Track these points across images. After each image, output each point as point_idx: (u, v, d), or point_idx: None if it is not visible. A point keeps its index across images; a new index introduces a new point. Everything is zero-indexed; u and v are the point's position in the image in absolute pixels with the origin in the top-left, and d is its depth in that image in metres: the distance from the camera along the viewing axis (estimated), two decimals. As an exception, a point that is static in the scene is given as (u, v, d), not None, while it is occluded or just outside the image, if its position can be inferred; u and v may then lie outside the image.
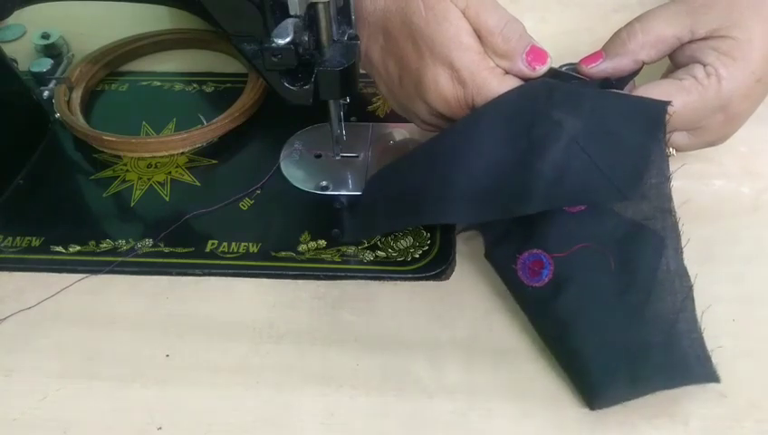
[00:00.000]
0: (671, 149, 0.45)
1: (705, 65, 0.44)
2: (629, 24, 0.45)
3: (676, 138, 0.46)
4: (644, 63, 0.45)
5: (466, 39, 0.42)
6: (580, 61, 0.45)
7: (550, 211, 0.42)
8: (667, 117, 0.41)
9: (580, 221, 0.43)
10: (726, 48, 0.43)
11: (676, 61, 0.46)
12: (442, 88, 0.43)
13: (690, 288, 0.41)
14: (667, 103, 0.41)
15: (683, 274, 0.41)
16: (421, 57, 0.44)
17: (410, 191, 0.46)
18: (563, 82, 0.44)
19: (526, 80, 0.43)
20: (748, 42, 0.43)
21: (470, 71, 0.42)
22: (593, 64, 0.45)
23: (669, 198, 0.42)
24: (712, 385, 0.40)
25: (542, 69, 0.43)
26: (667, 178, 0.42)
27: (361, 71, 0.49)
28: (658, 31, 0.44)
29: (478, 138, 0.42)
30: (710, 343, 0.42)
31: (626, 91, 0.45)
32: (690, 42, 0.44)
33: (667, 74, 0.47)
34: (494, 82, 0.42)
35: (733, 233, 0.48)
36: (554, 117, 0.41)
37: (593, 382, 0.40)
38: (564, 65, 0.46)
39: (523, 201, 0.40)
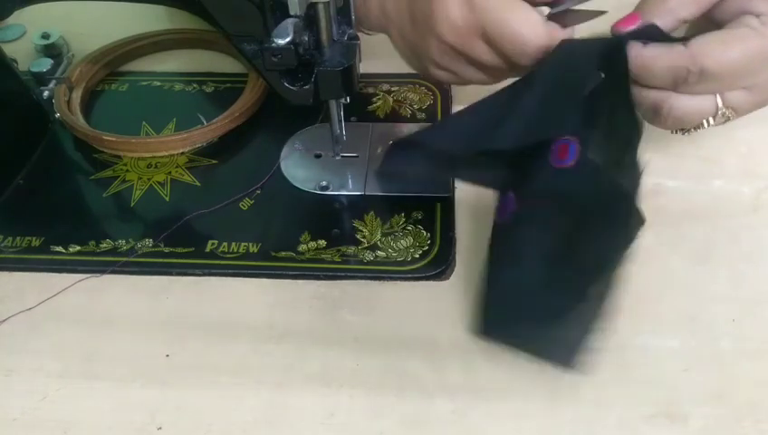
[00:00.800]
0: (728, 110, 0.42)
1: (758, 15, 0.40)
2: None
3: (735, 97, 0.42)
4: (685, 23, 0.42)
5: None
6: (615, 24, 0.42)
7: (535, 161, 0.42)
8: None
9: (559, 177, 0.42)
10: None
11: (719, 18, 0.42)
12: (452, 14, 0.42)
13: (615, 283, 0.40)
14: (624, 36, 0.40)
15: (615, 267, 0.40)
16: None
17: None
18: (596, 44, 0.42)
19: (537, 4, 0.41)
20: None
21: None
22: (630, 27, 0.41)
23: (637, 178, 0.41)
24: (712, 385, 0.40)
25: None
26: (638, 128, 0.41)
27: (370, 31, 0.50)
28: None
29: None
30: (710, 343, 0.43)
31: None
32: None
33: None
34: (507, 5, 0.41)
35: (733, 233, 0.48)
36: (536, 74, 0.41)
37: (482, 311, 0.41)
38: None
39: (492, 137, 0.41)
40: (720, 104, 0.42)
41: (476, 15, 0.42)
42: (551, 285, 0.41)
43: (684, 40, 0.41)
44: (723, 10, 0.42)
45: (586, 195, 0.41)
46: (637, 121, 0.42)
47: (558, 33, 0.42)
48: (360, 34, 0.46)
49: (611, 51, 0.41)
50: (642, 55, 0.40)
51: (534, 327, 0.40)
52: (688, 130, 0.45)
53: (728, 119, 0.43)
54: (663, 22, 0.41)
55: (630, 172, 0.42)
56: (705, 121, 0.43)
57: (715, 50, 0.39)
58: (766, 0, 0.41)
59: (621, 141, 0.41)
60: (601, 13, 0.43)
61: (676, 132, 0.45)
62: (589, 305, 0.40)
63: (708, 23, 0.42)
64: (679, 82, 0.40)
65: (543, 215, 0.42)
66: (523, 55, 0.42)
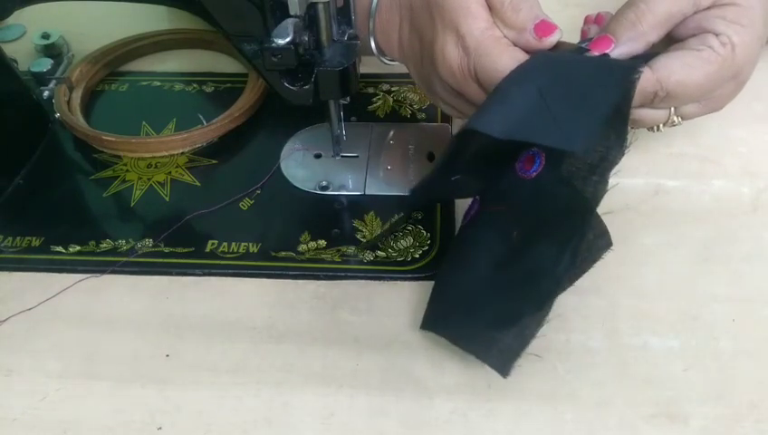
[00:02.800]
0: (677, 118, 0.45)
1: (717, 35, 0.42)
2: (632, 3, 0.44)
3: (687, 108, 0.45)
4: (652, 45, 0.44)
5: (475, 7, 0.42)
6: (589, 46, 0.43)
7: (503, 168, 0.43)
8: (637, 75, 0.40)
9: (519, 186, 0.43)
10: (733, 16, 0.42)
11: (677, 33, 0.45)
12: (448, 56, 0.43)
13: (555, 293, 0.40)
14: (641, 64, 0.41)
15: (560, 280, 0.40)
16: (434, 26, 0.43)
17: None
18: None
19: (533, 53, 0.42)
20: (751, 7, 0.43)
21: (474, 37, 0.42)
22: (606, 51, 0.43)
23: (612, 165, 0.42)
24: (712, 385, 0.40)
25: (549, 40, 0.42)
26: (622, 149, 0.42)
27: (395, 63, 0.51)
28: (665, 8, 0.43)
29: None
30: (710, 343, 0.43)
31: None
32: (693, 13, 0.43)
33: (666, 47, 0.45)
34: (497, 51, 0.41)
35: (732, 233, 0.48)
36: (526, 68, 0.41)
37: (429, 305, 0.44)
38: (581, 42, 0.45)
39: (475, 121, 0.40)
40: (672, 112, 0.45)
41: (470, 60, 0.42)
42: (496, 290, 0.41)
43: (645, 57, 0.43)
44: (682, 27, 0.44)
45: (541, 207, 0.42)
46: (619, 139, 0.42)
47: None
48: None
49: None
50: None
51: (472, 328, 0.41)
52: (637, 128, 0.47)
53: (676, 125, 0.45)
54: (635, 45, 0.43)
55: (597, 188, 0.42)
56: (655, 127, 0.46)
57: (680, 73, 0.42)
58: (725, 21, 0.42)
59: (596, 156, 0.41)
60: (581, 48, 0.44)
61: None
62: (532, 313, 0.40)
63: (668, 38, 0.44)
64: (645, 103, 0.43)
65: (500, 220, 0.43)
66: None
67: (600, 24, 0.47)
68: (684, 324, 0.43)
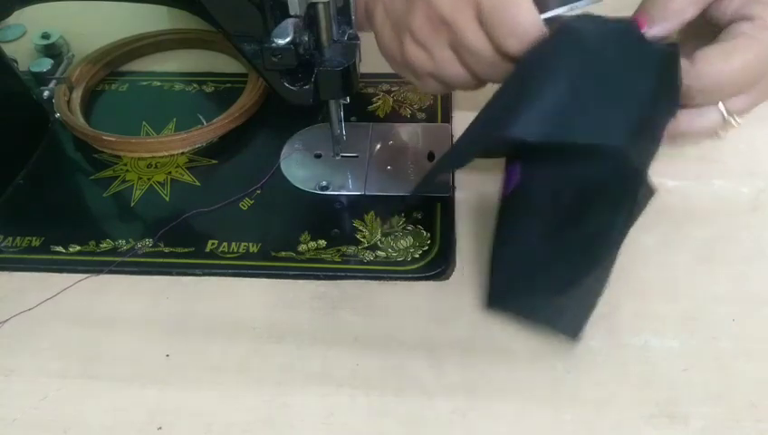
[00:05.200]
0: (733, 118, 0.43)
1: (752, 20, 0.41)
2: None
3: (736, 103, 0.43)
4: (687, 23, 0.42)
5: None
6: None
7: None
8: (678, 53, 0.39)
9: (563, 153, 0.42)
10: None
11: (716, 16, 0.43)
12: None
13: (614, 261, 0.40)
14: (675, 46, 0.40)
15: (618, 244, 0.40)
16: None
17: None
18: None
19: None
20: None
21: None
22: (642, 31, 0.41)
23: (651, 157, 0.41)
24: (712, 385, 0.40)
25: None
26: (669, 112, 0.41)
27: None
28: None
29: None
30: (710, 343, 0.42)
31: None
32: None
33: (684, 39, 0.44)
34: None
35: (733, 233, 0.48)
36: (556, 51, 0.40)
37: (490, 284, 0.44)
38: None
39: (509, 128, 0.39)
40: (725, 113, 0.43)
41: None
42: (553, 257, 0.41)
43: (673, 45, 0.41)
44: (718, 9, 0.43)
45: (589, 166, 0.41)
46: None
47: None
48: (359, 34, 0.46)
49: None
50: None
51: (538, 298, 0.41)
52: (698, 141, 0.46)
53: (733, 126, 0.43)
54: (670, 24, 0.41)
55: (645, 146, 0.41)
56: (715, 134, 0.44)
57: (717, 64, 0.40)
58: (761, 3, 0.41)
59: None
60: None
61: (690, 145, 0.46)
62: (592, 278, 0.40)
63: (702, 22, 0.43)
64: (686, 99, 0.41)
65: (546, 185, 0.42)
66: (515, 40, 0.40)
67: None
68: (684, 324, 0.43)
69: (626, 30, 0.41)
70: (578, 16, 0.42)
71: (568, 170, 0.41)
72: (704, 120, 0.43)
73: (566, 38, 0.40)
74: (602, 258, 0.40)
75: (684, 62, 0.40)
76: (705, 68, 0.40)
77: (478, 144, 0.44)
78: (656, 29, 0.41)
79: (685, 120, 0.42)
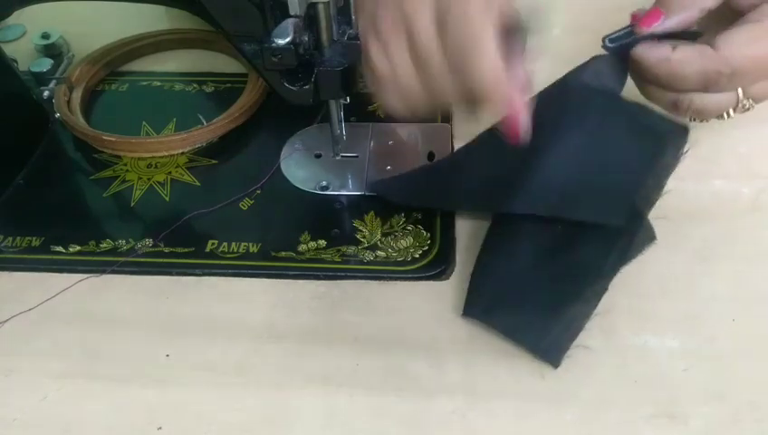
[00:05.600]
0: (748, 101, 0.42)
1: None
2: None
3: (757, 89, 0.42)
4: (708, 11, 0.41)
5: None
6: (639, 23, 0.40)
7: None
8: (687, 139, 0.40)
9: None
10: None
11: (737, 3, 0.41)
12: None
13: (605, 290, 0.42)
14: (687, 128, 0.40)
15: (609, 276, 0.42)
16: None
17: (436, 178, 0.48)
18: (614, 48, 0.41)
19: None
20: None
21: None
22: (655, 24, 0.40)
23: (651, 204, 0.43)
24: (712, 385, 0.40)
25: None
26: (661, 187, 0.42)
27: None
28: None
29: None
30: (710, 343, 0.42)
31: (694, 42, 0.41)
32: None
33: (710, 24, 0.42)
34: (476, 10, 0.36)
35: (733, 233, 0.48)
36: (563, 124, 0.40)
37: (469, 290, 0.44)
38: (620, 31, 0.42)
39: (512, 202, 0.41)
40: (741, 96, 0.42)
41: None
42: (541, 280, 0.41)
43: (694, 35, 0.40)
44: None
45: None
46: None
47: (499, 62, 0.37)
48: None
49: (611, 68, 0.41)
50: (671, 60, 0.39)
51: (522, 316, 0.41)
52: (707, 119, 0.44)
53: (748, 109, 0.42)
54: (689, 14, 0.40)
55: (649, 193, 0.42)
56: (725, 113, 0.43)
57: (745, 49, 0.39)
58: None
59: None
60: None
61: (694, 120, 0.44)
62: (578, 306, 0.41)
63: (727, 10, 0.41)
64: (710, 85, 0.40)
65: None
66: (457, 47, 0.37)
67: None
68: (684, 324, 0.43)
69: (634, 109, 0.41)
70: (587, 88, 0.41)
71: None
72: (719, 99, 0.42)
73: (573, 111, 0.41)
74: (589, 290, 0.40)
75: (706, 48, 0.39)
76: (733, 52, 0.39)
77: (469, 203, 0.46)
78: (674, 19, 0.40)
79: (698, 96, 0.41)
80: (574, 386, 0.41)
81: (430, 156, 0.54)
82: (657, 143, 0.40)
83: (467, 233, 0.49)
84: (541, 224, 0.43)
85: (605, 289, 0.42)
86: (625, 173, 0.41)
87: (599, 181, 0.40)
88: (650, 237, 0.43)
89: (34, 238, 0.50)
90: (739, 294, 0.45)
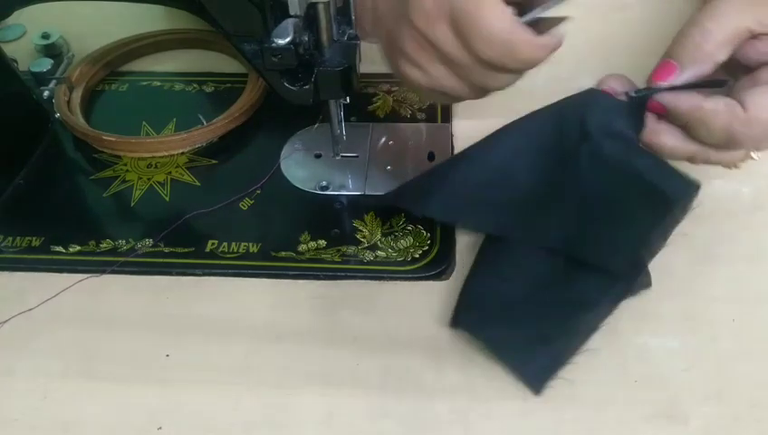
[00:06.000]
0: (756, 154, 0.43)
1: None
2: (696, 22, 0.40)
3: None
4: (719, 65, 0.40)
5: None
6: (652, 77, 0.40)
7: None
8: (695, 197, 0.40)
9: None
10: None
11: (746, 58, 0.41)
12: None
13: (595, 329, 0.42)
14: (697, 187, 0.40)
15: (604, 316, 0.42)
16: None
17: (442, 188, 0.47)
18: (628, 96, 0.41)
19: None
20: None
21: None
22: (670, 78, 0.40)
23: (653, 254, 0.43)
24: (712, 385, 0.40)
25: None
26: (665, 239, 0.43)
27: (369, 38, 0.47)
28: (733, 24, 0.39)
29: (497, 154, 0.44)
30: (710, 343, 0.42)
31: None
32: (760, 35, 0.39)
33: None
34: None
35: (733, 233, 0.48)
36: (579, 163, 0.41)
37: (459, 301, 0.44)
38: (638, 91, 0.41)
39: (521, 230, 0.42)
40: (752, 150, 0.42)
41: None
42: (538, 308, 0.42)
43: (721, 83, 0.40)
44: (750, 51, 0.40)
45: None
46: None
47: (522, 34, 0.39)
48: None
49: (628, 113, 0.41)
50: (703, 108, 0.38)
51: (511, 339, 0.41)
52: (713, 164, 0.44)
53: (753, 159, 0.43)
54: (702, 68, 0.40)
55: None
56: (732, 165, 0.43)
57: None
58: None
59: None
60: (563, 19, 0.41)
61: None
62: (569, 339, 0.41)
63: (732, 61, 0.41)
64: (732, 144, 0.40)
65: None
66: (486, 46, 0.40)
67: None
68: (684, 324, 0.43)
69: (651, 160, 0.41)
70: (607, 129, 0.41)
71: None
72: (733, 155, 0.42)
73: (591, 153, 0.40)
74: (582, 326, 0.41)
75: (736, 106, 0.38)
76: (758, 117, 0.38)
77: (479, 223, 0.46)
78: (687, 74, 0.40)
79: (714, 154, 0.41)
80: (574, 386, 0.41)
81: (430, 156, 0.54)
82: (670, 203, 0.40)
83: (467, 233, 0.49)
84: (541, 251, 0.43)
85: (597, 328, 0.42)
86: (635, 226, 0.41)
87: (608, 227, 0.41)
88: (647, 283, 0.43)
89: (34, 238, 0.50)
90: (739, 295, 0.45)
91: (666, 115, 0.40)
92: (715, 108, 0.38)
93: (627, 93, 0.41)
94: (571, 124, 0.41)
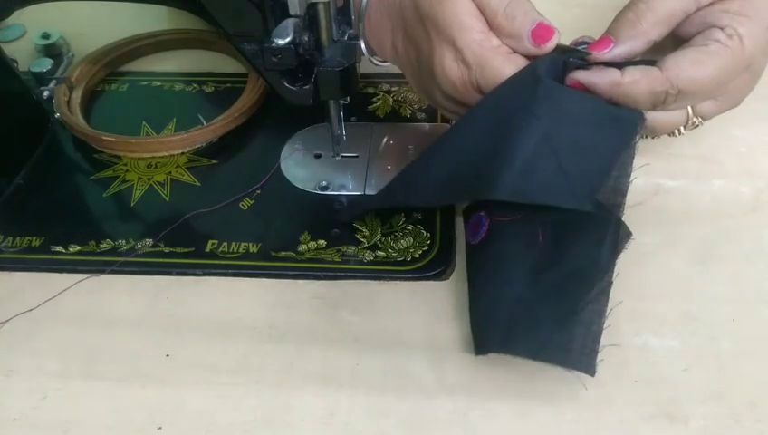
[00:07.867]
0: (697, 119, 0.45)
1: (722, 28, 0.42)
2: (633, 4, 0.43)
3: (704, 106, 0.45)
4: (654, 43, 0.43)
5: (467, 19, 0.42)
6: (589, 48, 0.43)
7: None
8: (643, 124, 0.41)
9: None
10: (737, 8, 0.42)
11: (683, 32, 0.44)
12: (448, 70, 0.43)
13: (610, 284, 0.41)
14: (643, 113, 0.41)
15: (607, 269, 0.41)
16: (429, 39, 0.43)
17: (406, 178, 0.47)
18: (567, 63, 0.43)
19: (533, 58, 0.42)
20: None
21: (473, 51, 0.42)
22: (605, 51, 0.42)
23: (623, 194, 0.42)
24: (712, 385, 0.40)
25: (548, 46, 0.41)
26: (627, 175, 0.42)
27: (386, 63, 0.50)
28: (668, 7, 0.43)
29: (468, 128, 0.43)
30: (710, 343, 0.43)
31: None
32: (696, 11, 0.43)
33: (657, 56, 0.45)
34: (498, 62, 0.41)
35: (732, 233, 0.48)
36: (534, 111, 0.40)
37: (474, 329, 0.42)
38: (578, 43, 0.44)
39: (490, 188, 0.41)
40: (691, 114, 0.44)
41: (472, 72, 0.42)
42: (545, 294, 0.41)
43: (649, 61, 0.42)
44: (686, 25, 0.44)
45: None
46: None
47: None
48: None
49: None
50: (622, 83, 0.41)
51: (542, 334, 0.40)
52: (658, 136, 0.47)
53: (698, 126, 0.45)
54: (636, 44, 0.43)
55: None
56: (676, 130, 0.46)
57: (690, 70, 0.41)
58: (729, 13, 0.42)
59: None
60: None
61: (646, 136, 0.46)
62: (588, 309, 0.41)
63: (673, 38, 0.44)
64: (658, 104, 0.42)
65: (518, 228, 0.43)
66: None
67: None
68: (684, 324, 0.43)
69: (601, 106, 0.42)
70: (558, 87, 0.42)
71: (539, 216, 0.43)
72: (669, 117, 0.44)
73: (543, 99, 0.41)
74: (595, 287, 0.40)
75: (652, 69, 0.41)
76: (677, 75, 0.41)
77: (443, 195, 0.45)
78: (621, 48, 0.42)
79: (650, 114, 0.43)
80: (574, 386, 0.41)
81: (430, 156, 0.54)
82: (636, 123, 0.41)
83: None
84: (521, 243, 0.43)
85: (610, 283, 0.41)
86: (603, 153, 0.41)
87: (569, 166, 0.40)
88: (627, 234, 0.43)
89: (34, 238, 0.50)
90: (739, 295, 0.45)
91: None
92: (632, 79, 0.41)
93: (564, 61, 0.43)
94: (523, 80, 0.42)
